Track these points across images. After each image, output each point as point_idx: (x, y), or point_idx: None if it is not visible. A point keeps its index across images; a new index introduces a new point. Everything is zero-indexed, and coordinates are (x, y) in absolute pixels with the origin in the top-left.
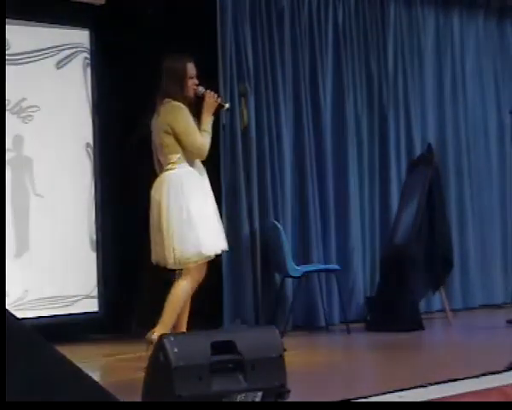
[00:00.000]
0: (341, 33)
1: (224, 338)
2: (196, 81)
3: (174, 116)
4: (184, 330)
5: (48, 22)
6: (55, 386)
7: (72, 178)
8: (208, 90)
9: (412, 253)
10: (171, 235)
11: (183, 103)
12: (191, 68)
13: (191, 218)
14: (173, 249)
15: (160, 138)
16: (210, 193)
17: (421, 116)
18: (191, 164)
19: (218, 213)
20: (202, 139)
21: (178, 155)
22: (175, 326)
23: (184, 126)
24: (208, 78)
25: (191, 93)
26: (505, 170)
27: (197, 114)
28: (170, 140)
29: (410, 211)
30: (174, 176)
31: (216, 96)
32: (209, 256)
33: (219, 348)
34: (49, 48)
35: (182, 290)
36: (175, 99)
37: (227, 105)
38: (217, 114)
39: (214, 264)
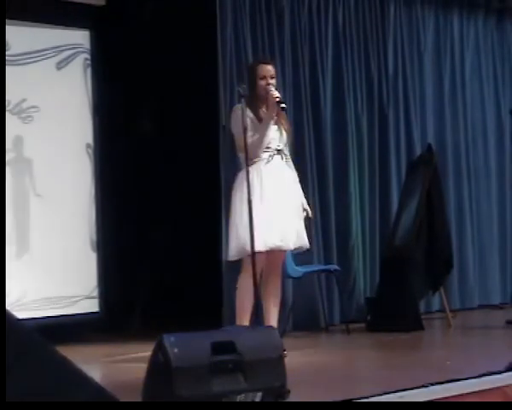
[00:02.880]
0: (341, 33)
1: (224, 338)
2: (269, 81)
3: (231, 119)
4: (273, 323)
5: (48, 23)
6: (55, 386)
7: (72, 179)
8: (271, 90)
9: (412, 253)
10: (230, 229)
11: (253, 104)
12: (263, 69)
13: (241, 215)
14: (231, 244)
15: None
16: (282, 189)
17: (421, 116)
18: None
19: (292, 211)
20: (252, 140)
21: (241, 155)
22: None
23: (234, 129)
24: (208, 78)
25: (263, 93)
26: (504, 170)
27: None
28: (234, 142)
29: (409, 211)
30: (239, 175)
31: (275, 94)
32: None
33: (219, 348)
34: (49, 49)
35: (239, 285)
36: (248, 100)
37: (283, 105)
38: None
39: (215, 264)
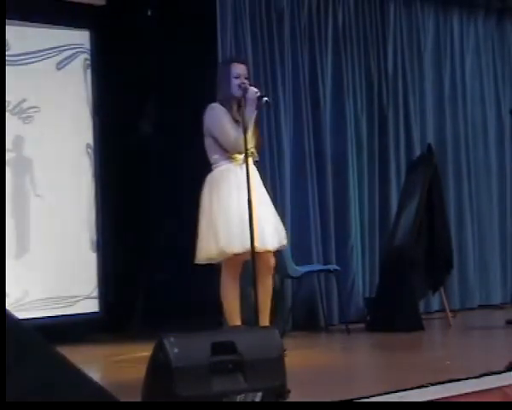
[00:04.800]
0: (341, 33)
1: (224, 338)
2: (243, 80)
3: (208, 117)
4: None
5: (48, 23)
6: (55, 386)
7: (72, 179)
8: (250, 87)
9: (412, 253)
10: (201, 232)
11: (227, 103)
12: (237, 68)
13: (217, 216)
14: (202, 246)
15: (204, 141)
16: (255, 190)
17: (421, 116)
18: (235, 162)
19: (266, 212)
20: (237, 134)
21: (216, 156)
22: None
23: (217, 125)
24: (208, 78)
25: (236, 92)
26: (504, 170)
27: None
28: (209, 141)
29: (409, 211)
30: (210, 177)
31: (256, 90)
32: (228, 253)
33: (219, 348)
34: (49, 49)
35: (224, 287)
36: (221, 100)
37: (265, 98)
38: None
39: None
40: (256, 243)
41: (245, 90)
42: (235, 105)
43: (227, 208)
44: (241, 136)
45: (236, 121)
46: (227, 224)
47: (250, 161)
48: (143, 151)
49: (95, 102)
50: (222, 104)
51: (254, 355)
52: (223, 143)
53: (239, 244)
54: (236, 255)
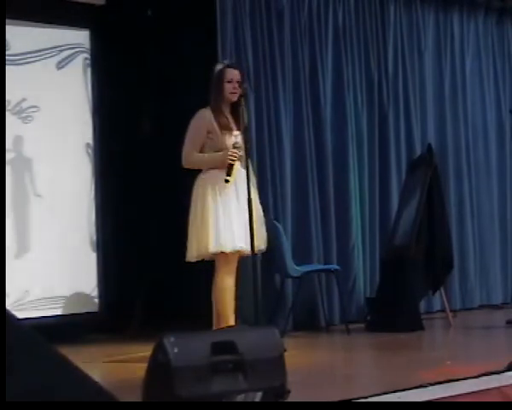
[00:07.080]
0: (341, 33)
1: (224, 338)
2: (236, 85)
3: (192, 122)
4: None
5: (48, 23)
6: (55, 386)
7: (72, 178)
8: (235, 150)
9: (412, 253)
10: (190, 231)
11: (219, 107)
12: (230, 73)
13: (202, 218)
14: (191, 245)
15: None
16: (239, 196)
17: (421, 116)
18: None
19: (243, 216)
20: (192, 154)
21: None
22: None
23: (188, 133)
24: (208, 78)
25: (229, 96)
26: (505, 170)
27: (236, 116)
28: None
29: (409, 211)
30: (198, 179)
31: (234, 158)
32: (210, 253)
33: (219, 348)
34: (49, 48)
35: (221, 285)
36: (212, 104)
37: (228, 178)
38: None
39: (213, 264)
40: (243, 245)
41: (244, 91)
42: (227, 108)
43: (219, 212)
44: (195, 158)
45: (228, 126)
46: (235, 224)
47: (237, 164)
48: (143, 151)
49: (95, 102)
50: (214, 108)
51: (254, 355)
52: (183, 149)
53: (245, 243)
54: (234, 253)
